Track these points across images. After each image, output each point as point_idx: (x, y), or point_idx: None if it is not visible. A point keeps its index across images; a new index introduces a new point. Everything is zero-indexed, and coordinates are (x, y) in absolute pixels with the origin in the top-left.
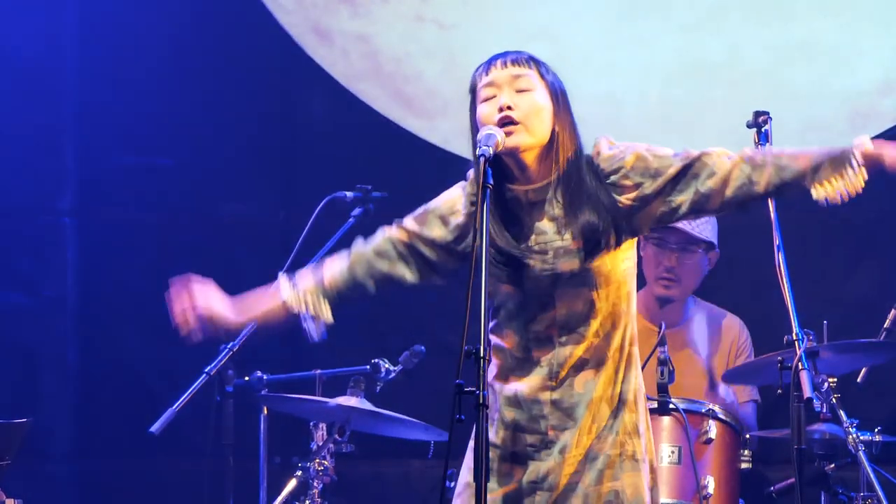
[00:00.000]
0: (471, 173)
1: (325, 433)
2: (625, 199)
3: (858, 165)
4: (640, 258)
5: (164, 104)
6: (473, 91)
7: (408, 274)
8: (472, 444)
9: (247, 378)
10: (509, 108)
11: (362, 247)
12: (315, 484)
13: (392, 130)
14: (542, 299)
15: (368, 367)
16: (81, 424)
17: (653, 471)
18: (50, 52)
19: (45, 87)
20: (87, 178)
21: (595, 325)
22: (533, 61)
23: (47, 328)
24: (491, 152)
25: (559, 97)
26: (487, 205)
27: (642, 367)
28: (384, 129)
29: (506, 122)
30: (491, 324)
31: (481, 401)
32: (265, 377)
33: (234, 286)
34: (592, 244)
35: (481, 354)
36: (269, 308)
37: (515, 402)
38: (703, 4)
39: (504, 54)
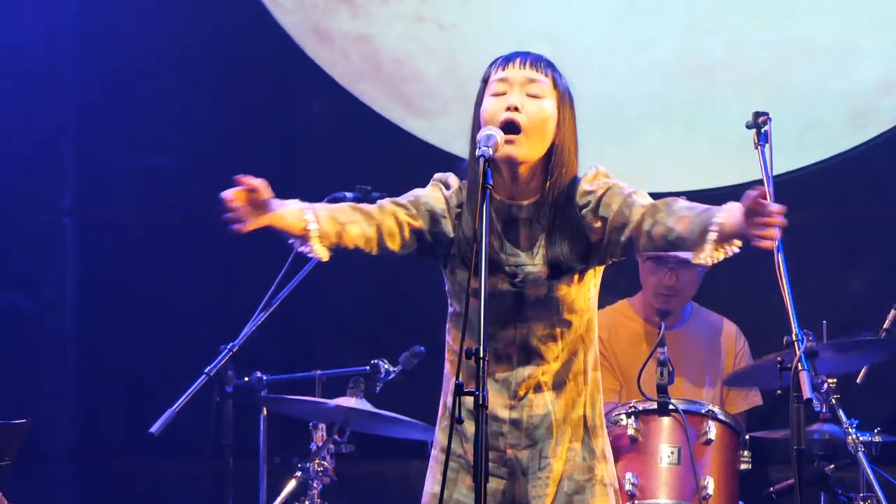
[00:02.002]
0: (452, 183)
1: (324, 434)
2: (592, 234)
3: (717, 242)
4: (637, 268)
5: (164, 104)
6: (485, 81)
7: (400, 252)
8: (435, 453)
9: (246, 379)
10: (517, 109)
11: (380, 217)
12: (315, 484)
13: (392, 131)
14: (503, 318)
15: (368, 367)
16: (81, 425)
17: (616, 494)
18: (50, 51)
19: (45, 87)
20: (86, 178)
21: (556, 349)
22: (550, 68)
23: (47, 328)
24: (490, 153)
25: (566, 110)
26: (487, 205)
27: (642, 368)
28: (384, 130)
29: (509, 124)
30: (448, 326)
31: (481, 401)
32: (265, 378)
33: (232, 286)
34: (561, 274)
35: (481, 355)
36: (290, 225)
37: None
38: (702, 4)
39: (525, 54)
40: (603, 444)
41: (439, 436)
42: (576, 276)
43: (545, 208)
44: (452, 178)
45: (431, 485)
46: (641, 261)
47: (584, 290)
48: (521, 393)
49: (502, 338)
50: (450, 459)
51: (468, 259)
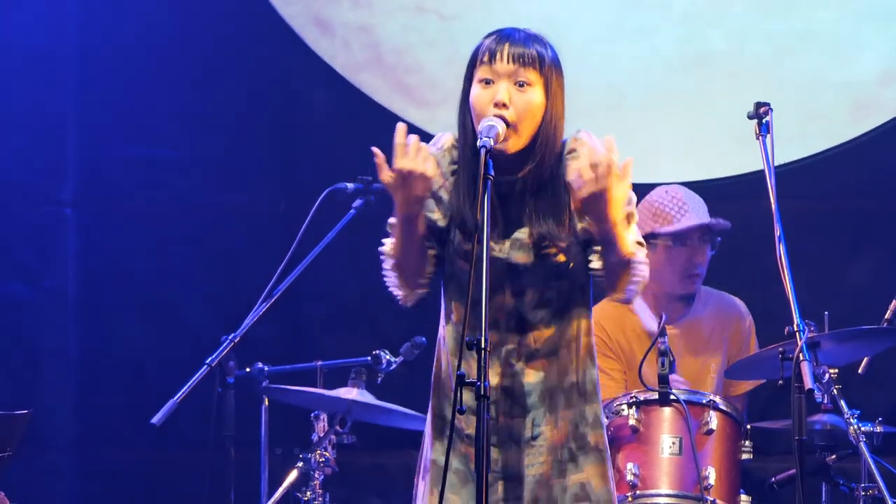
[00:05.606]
0: (443, 141)
1: (326, 424)
2: (574, 202)
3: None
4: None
5: (166, 95)
6: (473, 64)
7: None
8: (430, 417)
9: (248, 369)
10: (505, 105)
11: None
12: (316, 475)
13: (393, 122)
14: (492, 284)
15: (369, 358)
16: (82, 416)
17: (609, 459)
18: (52, 41)
19: (47, 78)
20: (88, 169)
21: (545, 316)
22: (538, 58)
23: (48, 319)
24: (492, 143)
25: (555, 86)
26: (489, 196)
27: (642, 361)
28: (385, 121)
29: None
30: (442, 291)
31: (482, 392)
32: (266, 368)
33: (233, 277)
34: (547, 243)
35: (483, 346)
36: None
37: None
38: None
39: (512, 42)
40: (596, 410)
41: (433, 400)
42: (563, 245)
43: (531, 183)
44: (444, 138)
45: (428, 451)
46: (661, 249)
47: (574, 258)
48: (513, 360)
49: (492, 304)
50: (446, 428)
51: (463, 227)
